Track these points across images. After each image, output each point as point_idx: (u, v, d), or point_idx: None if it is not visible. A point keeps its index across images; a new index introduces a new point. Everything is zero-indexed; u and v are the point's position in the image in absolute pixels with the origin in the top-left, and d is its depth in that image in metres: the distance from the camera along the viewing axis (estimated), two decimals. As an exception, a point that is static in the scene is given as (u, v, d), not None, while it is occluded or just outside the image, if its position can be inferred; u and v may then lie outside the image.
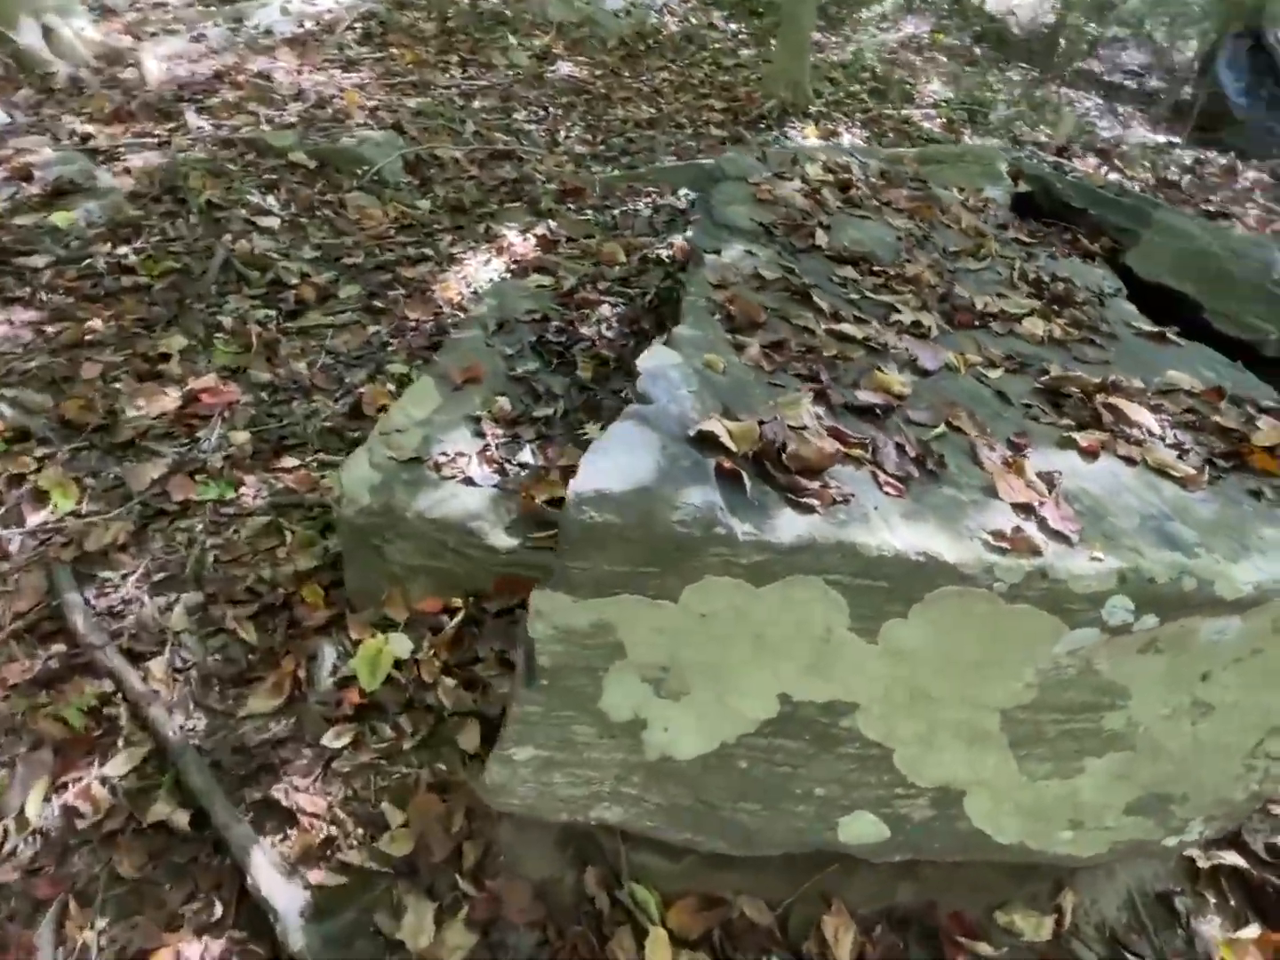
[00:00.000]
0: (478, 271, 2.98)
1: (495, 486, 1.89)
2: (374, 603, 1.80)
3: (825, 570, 1.10)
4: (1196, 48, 8.01)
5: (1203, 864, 1.52)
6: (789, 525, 1.10)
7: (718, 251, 1.98)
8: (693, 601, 1.11)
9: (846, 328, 1.69)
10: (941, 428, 1.38)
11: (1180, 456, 1.42)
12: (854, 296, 1.88)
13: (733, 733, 1.17)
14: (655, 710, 1.16)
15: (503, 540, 1.77)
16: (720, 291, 1.79)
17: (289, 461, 2.19)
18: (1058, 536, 1.16)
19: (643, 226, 3.18)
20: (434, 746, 1.55)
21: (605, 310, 2.61)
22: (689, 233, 2.99)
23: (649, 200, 3.32)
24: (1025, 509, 1.20)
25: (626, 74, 5.09)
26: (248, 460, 2.19)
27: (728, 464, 1.19)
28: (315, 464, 2.20)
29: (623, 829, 1.28)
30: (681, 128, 4.43)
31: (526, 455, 2.01)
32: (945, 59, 6.80)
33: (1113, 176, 4.92)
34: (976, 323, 1.85)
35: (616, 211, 3.29)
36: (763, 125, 4.45)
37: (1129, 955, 1.38)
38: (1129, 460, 1.38)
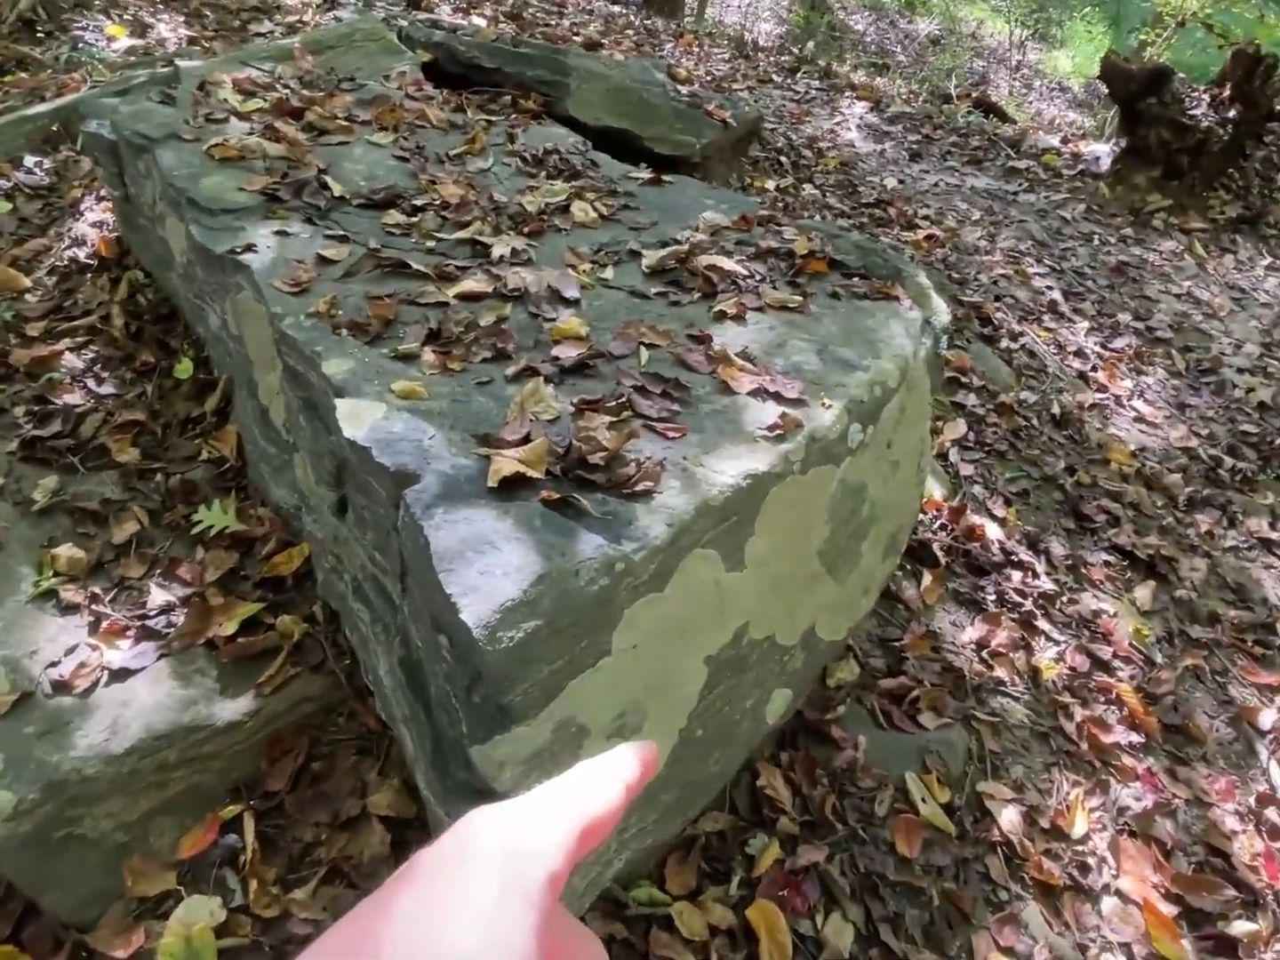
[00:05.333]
0: None
1: (158, 654, 1.41)
2: (108, 897, 1.27)
3: (698, 538, 1.14)
4: None
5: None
6: (650, 520, 1.10)
7: (250, 248, 1.58)
8: (622, 641, 1.06)
9: (470, 285, 1.57)
10: (643, 352, 1.44)
11: (774, 287, 1.73)
12: (430, 244, 1.71)
13: (684, 714, 1.21)
14: (627, 753, 1.12)
15: (234, 706, 1.37)
16: (308, 298, 1.47)
17: None
18: (796, 403, 1.36)
19: (10, 225, 2.26)
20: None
21: (72, 359, 1.91)
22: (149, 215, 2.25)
23: (-12, 187, 2.34)
24: (760, 393, 1.37)
25: None
26: None
27: (552, 494, 1.10)
28: None
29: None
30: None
31: (157, 595, 1.51)
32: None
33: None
34: (545, 227, 1.86)
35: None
36: (39, 32, 3.31)
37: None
38: (758, 310, 1.63)
